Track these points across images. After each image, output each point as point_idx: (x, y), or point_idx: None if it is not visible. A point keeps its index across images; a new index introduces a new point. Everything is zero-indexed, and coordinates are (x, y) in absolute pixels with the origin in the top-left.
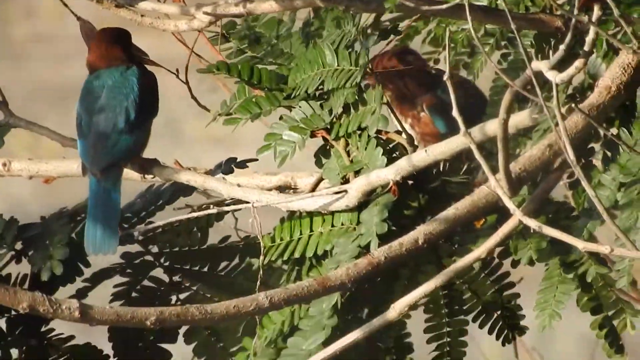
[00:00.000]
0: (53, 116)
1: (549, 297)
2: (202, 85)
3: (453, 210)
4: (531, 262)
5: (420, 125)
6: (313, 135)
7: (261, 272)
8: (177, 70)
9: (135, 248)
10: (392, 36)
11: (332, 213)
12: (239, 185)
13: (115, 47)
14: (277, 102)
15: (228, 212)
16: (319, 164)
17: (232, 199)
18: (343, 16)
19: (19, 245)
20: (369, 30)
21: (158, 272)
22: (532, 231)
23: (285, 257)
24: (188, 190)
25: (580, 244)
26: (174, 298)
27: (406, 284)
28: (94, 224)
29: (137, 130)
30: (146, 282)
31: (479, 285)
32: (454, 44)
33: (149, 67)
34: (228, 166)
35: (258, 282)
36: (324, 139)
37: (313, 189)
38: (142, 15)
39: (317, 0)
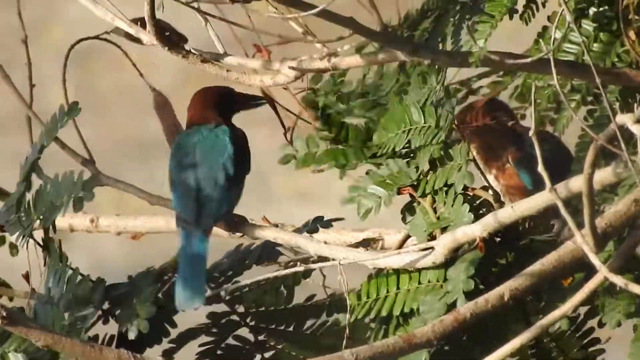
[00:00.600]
0: (137, 169)
1: (638, 356)
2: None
3: (539, 265)
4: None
5: (505, 177)
6: (400, 192)
7: (347, 330)
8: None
9: (221, 308)
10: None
11: (419, 270)
12: (325, 243)
13: (211, 106)
14: (364, 157)
15: (315, 269)
16: (405, 220)
17: (319, 256)
18: (428, 71)
19: (106, 305)
20: (454, 86)
21: (244, 332)
22: (617, 288)
23: (372, 315)
24: (275, 253)
25: None
26: (258, 357)
27: (493, 342)
28: (184, 278)
29: (235, 187)
30: (231, 341)
31: (566, 343)
32: (540, 99)
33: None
34: (315, 225)
35: (344, 340)
36: (411, 195)
37: (400, 246)
38: (227, 70)
39: (401, 54)
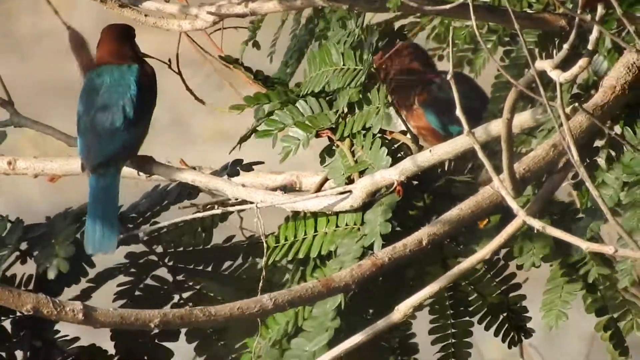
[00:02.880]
0: (58, 111)
1: (554, 297)
2: (208, 83)
3: (457, 210)
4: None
5: (414, 119)
6: (318, 135)
7: (264, 272)
8: (169, 60)
9: (139, 248)
10: (397, 40)
11: (337, 213)
12: (243, 186)
13: (121, 44)
14: (286, 98)
15: (233, 212)
16: (323, 163)
17: (236, 199)
18: (348, 16)
19: (24, 246)
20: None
21: (162, 272)
22: (535, 232)
23: (289, 258)
24: (194, 192)
25: (583, 245)
26: (177, 297)
27: (411, 285)
28: (94, 223)
29: (134, 128)
30: (150, 281)
31: (485, 287)
32: (457, 40)
33: (151, 62)
34: (234, 168)
35: (260, 283)
36: (330, 138)
37: (318, 189)
38: (145, 15)
39: (320, 0)
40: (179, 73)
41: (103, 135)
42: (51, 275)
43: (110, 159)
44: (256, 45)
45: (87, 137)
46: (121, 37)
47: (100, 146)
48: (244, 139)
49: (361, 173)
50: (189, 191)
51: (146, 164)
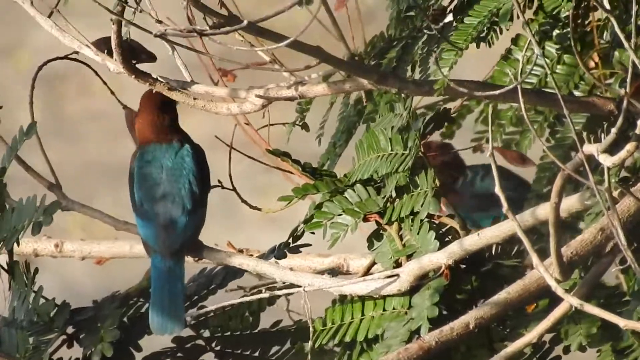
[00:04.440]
0: (106, 194)
1: None
2: (257, 165)
3: (504, 294)
4: (582, 349)
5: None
6: (366, 219)
7: (309, 356)
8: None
9: (187, 332)
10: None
11: (384, 297)
12: (291, 269)
13: (164, 116)
14: (334, 187)
15: (280, 295)
16: (371, 247)
17: (284, 282)
18: (396, 99)
19: (70, 329)
20: (418, 112)
21: (209, 357)
22: (575, 314)
23: (336, 341)
24: (240, 272)
25: (621, 322)
26: None
27: None
28: (161, 304)
29: (200, 209)
30: None
31: None
32: (503, 121)
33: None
34: (281, 251)
35: None
36: (377, 222)
37: (365, 273)
38: (194, 98)
39: (368, 83)
40: (230, 155)
41: (174, 222)
42: (95, 359)
43: (185, 244)
44: (305, 127)
45: (156, 224)
46: (164, 107)
47: (175, 233)
48: (295, 233)
49: (409, 257)
50: (235, 271)
51: (197, 248)
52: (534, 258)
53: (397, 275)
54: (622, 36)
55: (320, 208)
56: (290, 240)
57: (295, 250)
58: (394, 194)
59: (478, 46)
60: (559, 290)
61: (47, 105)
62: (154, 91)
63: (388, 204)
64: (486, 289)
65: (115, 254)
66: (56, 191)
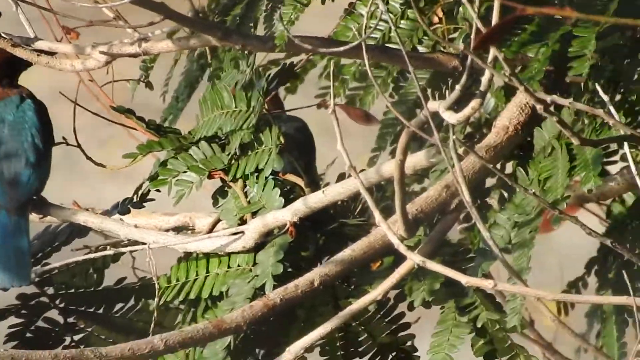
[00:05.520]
0: None
1: (442, 340)
2: (99, 120)
3: (349, 251)
4: (426, 305)
5: None
6: (211, 176)
7: (155, 313)
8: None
9: (31, 289)
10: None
11: (229, 254)
12: (136, 227)
13: (4, 72)
14: (179, 144)
15: (125, 253)
16: (216, 204)
17: (129, 239)
18: (241, 56)
19: None
20: (261, 69)
21: (54, 314)
22: (419, 271)
23: (181, 298)
24: (84, 231)
25: (463, 279)
26: (68, 339)
27: (302, 326)
28: (6, 259)
29: (44, 163)
30: (41, 323)
31: (375, 327)
32: (346, 77)
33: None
34: (125, 207)
35: (152, 324)
36: (222, 179)
37: (210, 230)
38: (38, 55)
39: (213, 40)
40: (74, 111)
41: (18, 176)
42: None
43: (28, 199)
44: (149, 85)
45: (2, 177)
46: (3, 64)
47: (21, 187)
48: (140, 191)
49: (254, 214)
50: (80, 229)
51: (42, 205)
52: (377, 215)
53: (242, 232)
54: None
55: (165, 165)
56: (135, 197)
57: (139, 205)
58: (238, 152)
59: (323, 2)
60: (401, 247)
61: None
62: None
63: (233, 161)
64: (332, 247)
65: None
66: None
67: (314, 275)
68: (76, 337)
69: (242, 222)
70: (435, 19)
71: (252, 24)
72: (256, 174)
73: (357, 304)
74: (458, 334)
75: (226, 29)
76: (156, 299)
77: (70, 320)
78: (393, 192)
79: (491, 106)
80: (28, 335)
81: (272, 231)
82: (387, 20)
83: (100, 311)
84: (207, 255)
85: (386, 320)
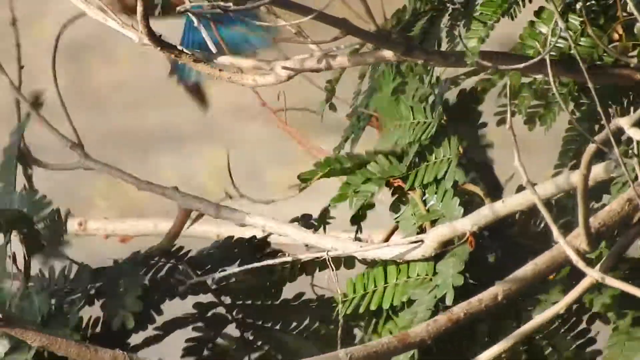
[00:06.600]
0: (128, 162)
1: (616, 353)
2: (281, 134)
3: (532, 265)
4: (605, 321)
5: None
6: (389, 183)
7: (341, 322)
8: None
9: (207, 298)
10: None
11: (408, 263)
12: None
13: None
14: (358, 161)
15: (302, 273)
16: (394, 213)
17: (306, 245)
18: (424, 72)
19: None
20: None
21: (230, 328)
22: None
23: (361, 310)
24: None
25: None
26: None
27: (486, 341)
28: None
29: None
30: (219, 341)
31: (560, 341)
32: (527, 94)
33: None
34: (306, 222)
35: (338, 339)
36: (400, 188)
37: (387, 239)
38: (220, 70)
39: (392, 55)
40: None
41: None
42: (115, 326)
43: None
44: (332, 108)
45: None
46: None
47: None
48: (324, 213)
49: (432, 223)
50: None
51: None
52: (555, 230)
53: (422, 240)
54: None
55: (346, 182)
56: (318, 217)
57: (324, 219)
58: (416, 160)
59: (513, 18)
60: (580, 264)
61: (71, 75)
62: None
63: (410, 171)
64: (511, 258)
65: (139, 232)
66: (78, 150)
67: (498, 289)
68: (254, 356)
69: (421, 231)
70: (616, 36)
71: (435, 40)
72: (435, 184)
73: (540, 318)
74: (631, 348)
75: (409, 44)
76: (341, 307)
77: (248, 336)
78: (573, 207)
79: None
80: (206, 352)
81: (452, 241)
82: (567, 38)
83: (278, 327)
84: (385, 265)
85: (571, 334)
